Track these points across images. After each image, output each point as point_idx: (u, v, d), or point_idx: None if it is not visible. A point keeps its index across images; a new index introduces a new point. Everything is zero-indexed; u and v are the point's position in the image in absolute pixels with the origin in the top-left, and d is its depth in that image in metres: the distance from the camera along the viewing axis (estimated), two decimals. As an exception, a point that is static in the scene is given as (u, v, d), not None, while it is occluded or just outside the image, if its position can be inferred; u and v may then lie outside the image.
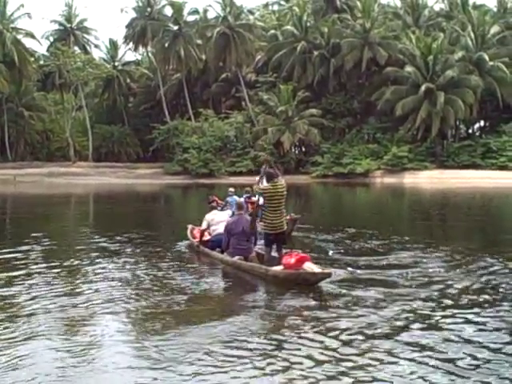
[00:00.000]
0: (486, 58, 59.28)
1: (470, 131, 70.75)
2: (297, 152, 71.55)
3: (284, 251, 10.31)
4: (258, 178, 12.52)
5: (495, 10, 68.28)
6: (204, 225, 12.10)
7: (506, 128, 60.69)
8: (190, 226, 14.05)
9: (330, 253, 12.23)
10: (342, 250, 12.65)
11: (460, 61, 59.85)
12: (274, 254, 10.54)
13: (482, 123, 70.49)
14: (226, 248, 10.87)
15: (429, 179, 55.73)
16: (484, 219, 21.23)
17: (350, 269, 10.22)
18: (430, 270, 10.10)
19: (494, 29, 62.20)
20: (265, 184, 10.95)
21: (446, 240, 14.54)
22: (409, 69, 60.90)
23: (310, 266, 9.33)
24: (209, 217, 12.09)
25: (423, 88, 58.91)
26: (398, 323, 6.98)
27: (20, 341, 6.48)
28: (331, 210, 28.44)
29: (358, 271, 10.08)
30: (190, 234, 13.51)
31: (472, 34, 61.42)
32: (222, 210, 13.50)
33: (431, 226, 19.52)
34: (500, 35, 62.47)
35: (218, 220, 11.93)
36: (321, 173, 62.86)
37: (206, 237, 12.23)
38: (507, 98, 60.06)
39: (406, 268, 10.27)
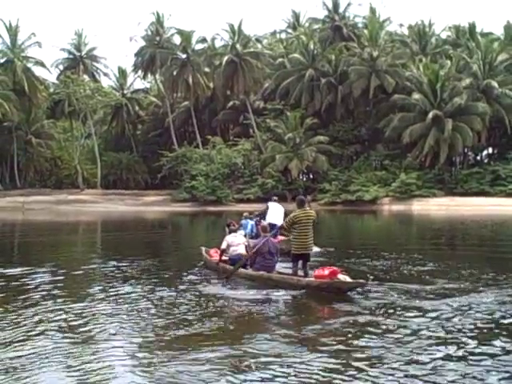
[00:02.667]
0: (495, 84, 59.40)
1: (479, 158, 70.68)
2: (304, 179, 71.51)
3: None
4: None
5: (502, 37, 68.59)
6: (224, 245, 12.97)
7: (515, 155, 60.63)
8: (203, 248, 14.94)
9: (370, 278, 11.80)
10: (381, 276, 12.24)
11: (467, 88, 59.98)
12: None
13: (490, 150, 70.41)
14: (251, 265, 11.96)
15: (438, 206, 55.49)
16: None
17: (392, 294, 10.00)
18: (479, 300, 9.56)
19: (502, 56, 62.47)
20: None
21: (484, 269, 13.52)
22: (416, 96, 61.07)
23: (343, 277, 10.21)
24: (229, 238, 13.10)
25: (431, 115, 59.04)
26: (437, 354, 6.65)
27: (31, 361, 6.45)
28: (353, 237, 27.92)
29: (400, 297, 9.83)
30: (205, 254, 14.40)
31: (480, 61, 61.67)
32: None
33: (460, 254, 18.89)
34: (507, 62, 62.71)
35: (237, 242, 12.98)
36: (329, 200, 62.65)
37: (225, 257, 13.16)
38: (515, 124, 60.15)
39: (451, 296, 9.83)
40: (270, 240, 11.99)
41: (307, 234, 11.10)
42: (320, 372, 6.12)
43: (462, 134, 58.76)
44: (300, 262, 11.26)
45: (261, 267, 11.61)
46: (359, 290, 10.21)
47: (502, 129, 62.39)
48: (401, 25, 76.83)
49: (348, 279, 10.14)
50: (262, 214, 18.54)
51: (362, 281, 10.23)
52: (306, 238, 11.10)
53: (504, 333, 7.61)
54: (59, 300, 9.99)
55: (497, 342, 7.14)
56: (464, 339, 7.28)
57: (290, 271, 11.56)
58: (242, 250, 12.71)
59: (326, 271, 10.32)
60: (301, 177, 70.11)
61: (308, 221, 11.14)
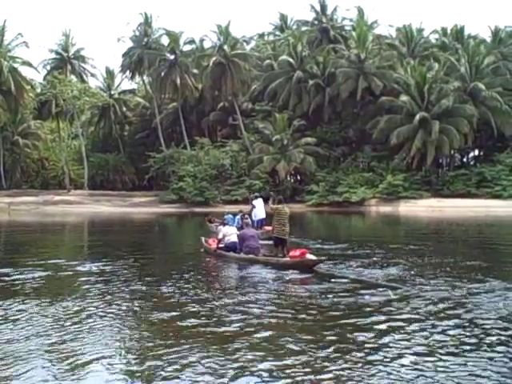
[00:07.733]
0: (482, 87, 59.74)
1: (465, 160, 71.14)
2: (292, 180, 71.65)
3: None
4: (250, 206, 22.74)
5: (489, 40, 69.07)
6: (220, 235, 16.41)
7: (501, 157, 60.94)
8: (202, 238, 18.24)
9: (325, 258, 13.80)
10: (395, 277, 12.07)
11: (455, 90, 60.29)
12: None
13: (476, 152, 70.82)
14: (241, 250, 15.24)
15: (424, 208, 55.49)
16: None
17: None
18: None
19: (489, 59, 62.78)
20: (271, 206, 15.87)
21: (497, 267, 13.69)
22: (404, 98, 61.28)
23: (310, 256, 13.28)
24: (224, 230, 16.51)
25: (418, 117, 59.26)
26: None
27: (16, 361, 6.42)
28: (350, 239, 26.58)
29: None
30: (205, 243, 17.61)
31: (467, 64, 62.01)
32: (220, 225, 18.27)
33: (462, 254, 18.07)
34: (494, 65, 63.07)
35: (230, 232, 16.32)
36: (316, 201, 62.74)
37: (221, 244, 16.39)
38: (501, 127, 60.53)
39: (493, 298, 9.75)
40: (252, 229, 16.50)
41: (285, 224, 14.88)
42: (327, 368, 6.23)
43: (448, 136, 59.05)
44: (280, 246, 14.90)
45: (249, 250, 14.92)
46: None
47: (489, 131, 62.74)
48: (390, 25, 76.96)
49: (313, 257, 13.17)
50: (249, 213, 21.97)
51: (322, 258, 13.38)
52: (284, 226, 14.85)
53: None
54: (46, 298, 9.97)
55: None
56: (465, 340, 7.27)
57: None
58: (234, 239, 15.91)
59: (297, 252, 13.40)
60: (288, 178, 70.16)
61: (285, 214, 15.00)
